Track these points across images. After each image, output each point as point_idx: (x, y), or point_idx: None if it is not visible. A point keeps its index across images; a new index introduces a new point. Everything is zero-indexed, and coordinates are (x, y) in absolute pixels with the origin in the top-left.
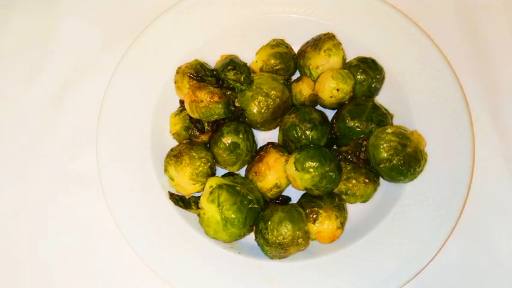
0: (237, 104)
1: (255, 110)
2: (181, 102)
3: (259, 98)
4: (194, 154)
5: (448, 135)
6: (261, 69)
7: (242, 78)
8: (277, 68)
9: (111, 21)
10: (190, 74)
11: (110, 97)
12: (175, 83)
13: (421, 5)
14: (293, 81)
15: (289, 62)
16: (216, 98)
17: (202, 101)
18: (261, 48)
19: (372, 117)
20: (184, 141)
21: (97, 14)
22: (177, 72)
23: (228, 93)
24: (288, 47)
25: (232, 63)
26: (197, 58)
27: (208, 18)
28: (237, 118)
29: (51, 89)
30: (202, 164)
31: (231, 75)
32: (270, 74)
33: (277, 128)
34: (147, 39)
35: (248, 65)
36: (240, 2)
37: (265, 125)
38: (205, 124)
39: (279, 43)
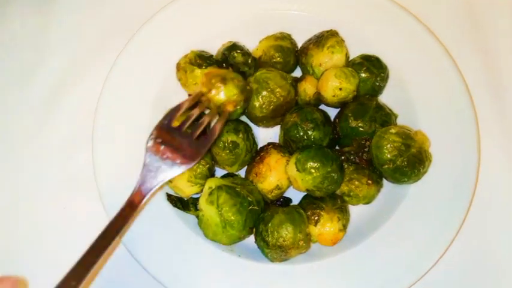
0: None
1: (256, 104)
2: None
3: (264, 92)
4: None
5: (453, 135)
6: (260, 59)
7: (250, 60)
8: (275, 60)
9: (107, 20)
10: (197, 61)
11: (106, 96)
12: (179, 80)
13: (426, 2)
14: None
15: (288, 57)
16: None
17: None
18: (265, 38)
19: (375, 117)
20: None
21: (93, 12)
22: (178, 70)
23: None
24: (292, 42)
25: (237, 46)
26: (193, 49)
27: (207, 16)
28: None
29: (46, 88)
30: (200, 166)
31: (239, 57)
32: (279, 71)
33: (278, 128)
34: (144, 37)
35: None
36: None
37: (264, 121)
38: None
39: (284, 37)
